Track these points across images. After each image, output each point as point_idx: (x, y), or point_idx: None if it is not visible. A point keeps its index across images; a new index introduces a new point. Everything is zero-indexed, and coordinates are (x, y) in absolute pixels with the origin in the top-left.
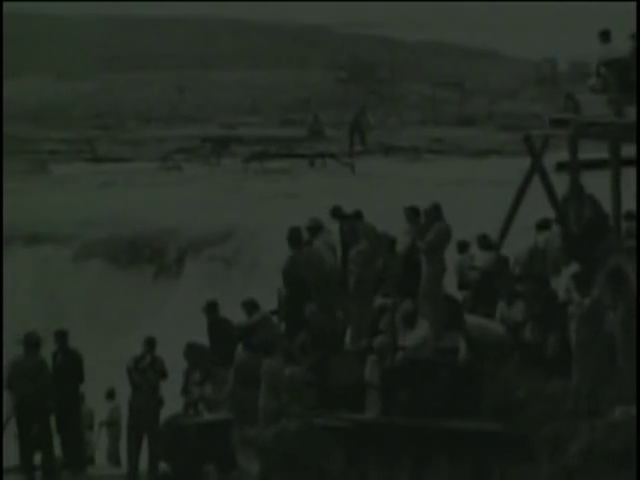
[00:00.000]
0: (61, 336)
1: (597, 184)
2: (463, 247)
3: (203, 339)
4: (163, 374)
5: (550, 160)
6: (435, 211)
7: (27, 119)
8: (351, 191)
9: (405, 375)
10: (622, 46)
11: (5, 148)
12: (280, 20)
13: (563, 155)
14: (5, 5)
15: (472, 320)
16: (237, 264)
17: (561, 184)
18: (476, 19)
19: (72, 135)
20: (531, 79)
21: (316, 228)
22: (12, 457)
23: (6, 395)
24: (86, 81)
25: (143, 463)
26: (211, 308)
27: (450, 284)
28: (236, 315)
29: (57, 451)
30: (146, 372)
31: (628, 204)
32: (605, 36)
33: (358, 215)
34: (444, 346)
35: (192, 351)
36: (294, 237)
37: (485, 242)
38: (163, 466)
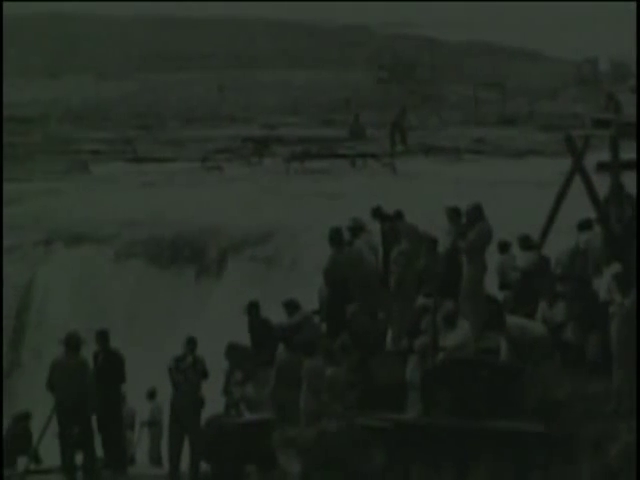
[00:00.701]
0: (102, 336)
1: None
2: (504, 247)
3: (244, 339)
4: (204, 374)
5: (591, 160)
6: (476, 211)
7: (68, 119)
8: (392, 191)
9: (446, 375)
10: None
11: (46, 148)
12: (321, 20)
13: (604, 155)
14: (46, 5)
15: (513, 320)
16: (278, 264)
17: (602, 184)
18: (517, 19)
19: (113, 135)
20: (572, 79)
21: (357, 228)
22: (53, 457)
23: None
24: (127, 81)
25: (184, 463)
26: (252, 308)
27: (491, 284)
28: (277, 315)
29: (98, 451)
30: (187, 372)
31: None
32: None
33: (399, 215)
34: (485, 346)
35: (233, 351)
36: (335, 237)
37: (526, 242)
38: (204, 466)
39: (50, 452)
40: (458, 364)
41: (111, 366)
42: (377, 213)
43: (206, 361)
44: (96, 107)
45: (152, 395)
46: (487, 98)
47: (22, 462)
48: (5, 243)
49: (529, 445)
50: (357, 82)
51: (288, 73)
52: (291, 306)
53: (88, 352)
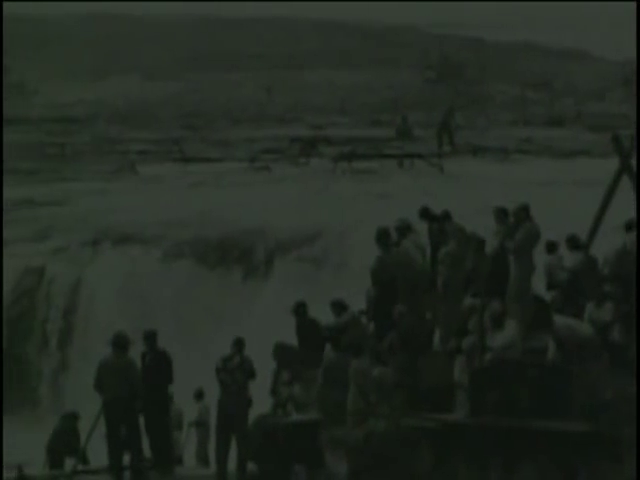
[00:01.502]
0: (150, 337)
1: None
2: (552, 247)
3: (292, 339)
4: (252, 374)
5: None
6: (524, 211)
7: (115, 120)
8: (439, 191)
9: (494, 375)
10: None
11: (94, 149)
12: (369, 20)
13: None
14: (93, 6)
15: (561, 320)
16: (325, 264)
17: None
18: (564, 19)
19: (160, 135)
20: (619, 79)
21: (405, 228)
22: (101, 457)
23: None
24: (174, 81)
25: (232, 463)
26: (300, 309)
27: (538, 284)
28: (325, 316)
29: (146, 451)
30: (235, 372)
31: None
32: None
33: (447, 215)
34: (533, 346)
35: (281, 351)
36: (383, 237)
37: (574, 242)
38: (251, 466)
39: (98, 452)
40: (506, 364)
41: (159, 366)
42: (425, 213)
43: (254, 361)
44: (143, 107)
45: (200, 395)
46: (535, 98)
47: (70, 462)
48: (53, 244)
49: (576, 445)
50: (405, 82)
51: (336, 73)
52: (338, 306)
53: (136, 352)
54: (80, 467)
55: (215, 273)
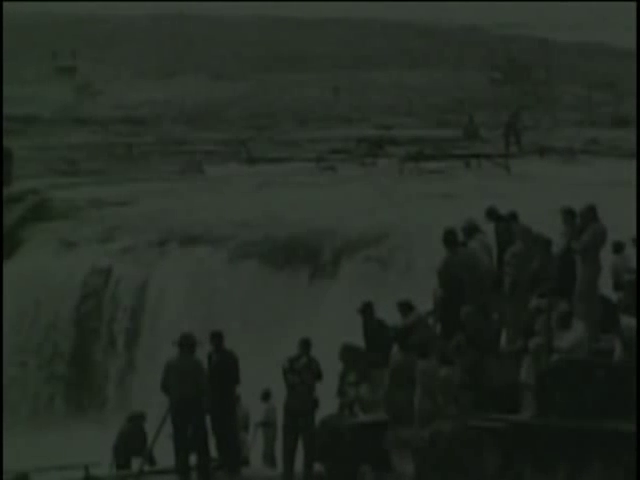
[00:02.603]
0: (217, 337)
1: None
2: (618, 248)
3: (359, 340)
4: (319, 375)
5: None
6: (590, 212)
7: (182, 120)
8: (506, 192)
9: (561, 376)
10: None
11: (160, 149)
12: (435, 21)
13: None
14: (159, 6)
15: (627, 321)
16: (392, 265)
17: None
18: (630, 20)
19: (227, 136)
20: None
21: (472, 229)
22: (168, 458)
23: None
24: (241, 81)
25: (298, 464)
26: (367, 309)
27: (605, 285)
28: (392, 316)
29: (212, 452)
30: (302, 373)
31: None
32: None
33: (513, 216)
34: (600, 347)
35: (348, 352)
36: (449, 238)
37: None
38: (318, 467)
39: (164, 453)
40: (573, 365)
41: (225, 367)
42: (491, 214)
43: (320, 362)
44: (210, 108)
45: (266, 396)
46: (601, 99)
47: (136, 463)
48: (119, 244)
49: None
50: (471, 83)
51: (402, 74)
52: (405, 307)
53: (202, 353)
54: (147, 467)
55: (282, 273)
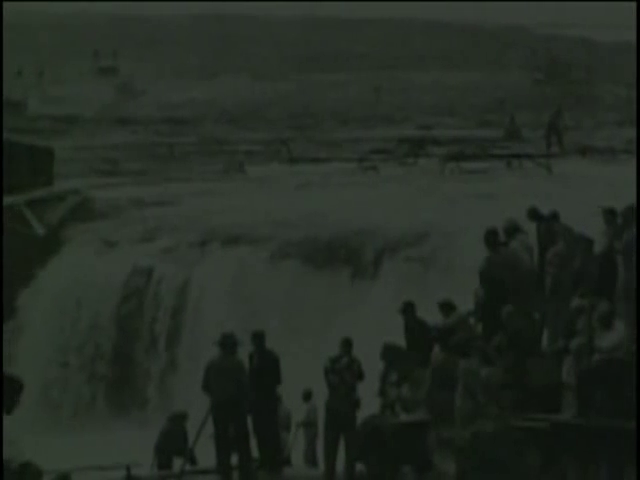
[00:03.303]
0: (258, 337)
1: None
2: None
3: (400, 340)
4: (360, 375)
5: None
6: (632, 212)
7: (223, 120)
8: (548, 192)
9: (602, 376)
10: None
11: (202, 149)
12: (476, 20)
13: None
14: (201, 6)
15: None
16: (434, 265)
17: None
18: None
19: (268, 136)
20: None
21: (513, 229)
22: (209, 458)
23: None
24: (283, 82)
25: (340, 464)
26: (408, 309)
27: None
28: (433, 316)
29: (254, 452)
30: (343, 373)
31: None
32: None
33: (555, 216)
34: None
35: (389, 352)
36: (491, 238)
37: None
38: (359, 467)
39: (206, 453)
40: (614, 365)
41: (267, 367)
42: (533, 214)
43: (362, 362)
44: (252, 108)
45: (308, 396)
46: None
47: (178, 463)
48: (161, 244)
49: None
50: (513, 83)
51: (444, 74)
52: (447, 307)
53: (244, 353)
54: (188, 467)
55: (323, 273)
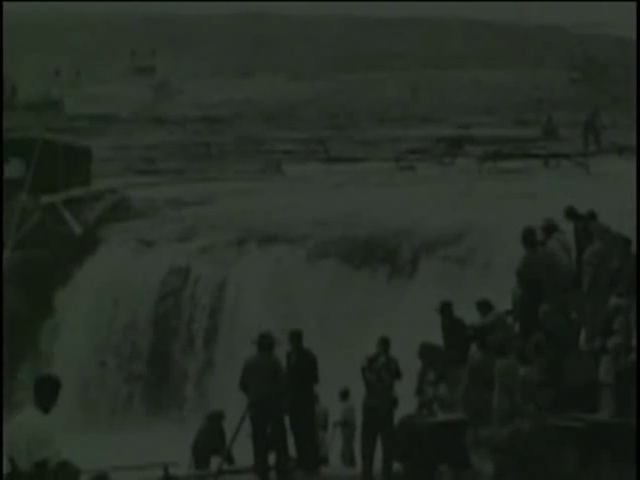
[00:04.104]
0: (295, 336)
1: None
2: None
3: (437, 339)
4: (397, 374)
5: None
6: None
7: (261, 119)
8: (585, 191)
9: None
10: None
11: (239, 149)
12: (514, 20)
13: None
14: (238, 6)
15: None
16: (471, 264)
17: None
18: None
19: (305, 135)
20: None
21: (550, 228)
22: (246, 457)
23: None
24: (320, 81)
25: (377, 463)
26: (445, 308)
27: None
28: (470, 315)
29: (291, 451)
30: (380, 372)
31: None
32: None
33: (593, 215)
34: None
35: (426, 351)
36: (528, 237)
37: None
38: (397, 466)
39: (243, 452)
40: None
41: (304, 366)
42: (570, 213)
43: (399, 361)
44: (288, 107)
45: (345, 395)
46: None
47: (215, 462)
48: (198, 243)
49: None
50: (550, 82)
51: (481, 73)
52: (484, 306)
53: (281, 352)
54: (225, 467)
55: (360, 273)
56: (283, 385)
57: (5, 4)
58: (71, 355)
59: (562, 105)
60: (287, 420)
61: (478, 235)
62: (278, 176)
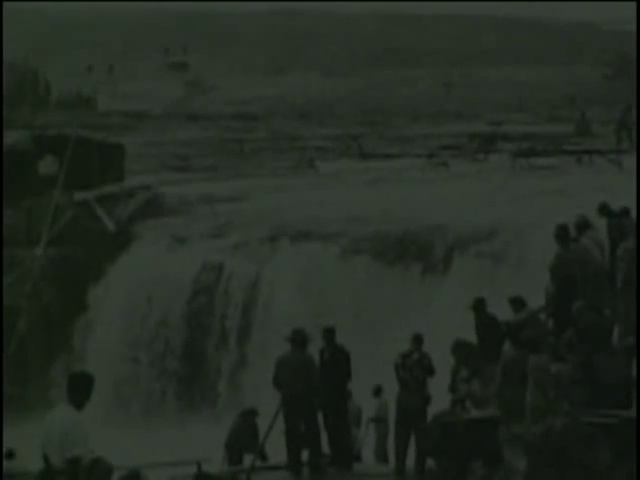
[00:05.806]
0: (329, 333)
1: None
2: None
3: (471, 336)
4: (430, 371)
5: None
6: None
7: (294, 116)
8: (618, 188)
9: None
10: None
11: (272, 145)
12: (547, 17)
13: None
14: (270, 3)
15: None
16: (504, 261)
17: None
18: None
19: (339, 132)
20: None
21: (584, 225)
22: (280, 454)
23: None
24: (353, 78)
25: (410, 460)
26: (479, 305)
27: None
28: (504, 312)
29: (324, 448)
30: (413, 369)
31: None
32: None
33: (626, 212)
34: None
35: (460, 348)
36: (562, 234)
37: None
38: (430, 462)
39: (276, 449)
40: None
41: (337, 362)
42: (603, 210)
43: (432, 358)
44: (322, 104)
45: (378, 392)
46: None
47: (248, 459)
48: (231, 240)
49: None
50: (583, 79)
51: (514, 70)
52: (517, 303)
53: (314, 349)
54: (259, 463)
55: (394, 269)
56: (316, 382)
57: (34, 4)
58: (104, 352)
59: (595, 102)
60: (320, 417)
61: (511, 232)
62: (311, 173)
